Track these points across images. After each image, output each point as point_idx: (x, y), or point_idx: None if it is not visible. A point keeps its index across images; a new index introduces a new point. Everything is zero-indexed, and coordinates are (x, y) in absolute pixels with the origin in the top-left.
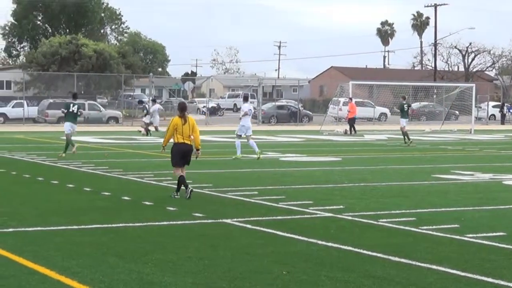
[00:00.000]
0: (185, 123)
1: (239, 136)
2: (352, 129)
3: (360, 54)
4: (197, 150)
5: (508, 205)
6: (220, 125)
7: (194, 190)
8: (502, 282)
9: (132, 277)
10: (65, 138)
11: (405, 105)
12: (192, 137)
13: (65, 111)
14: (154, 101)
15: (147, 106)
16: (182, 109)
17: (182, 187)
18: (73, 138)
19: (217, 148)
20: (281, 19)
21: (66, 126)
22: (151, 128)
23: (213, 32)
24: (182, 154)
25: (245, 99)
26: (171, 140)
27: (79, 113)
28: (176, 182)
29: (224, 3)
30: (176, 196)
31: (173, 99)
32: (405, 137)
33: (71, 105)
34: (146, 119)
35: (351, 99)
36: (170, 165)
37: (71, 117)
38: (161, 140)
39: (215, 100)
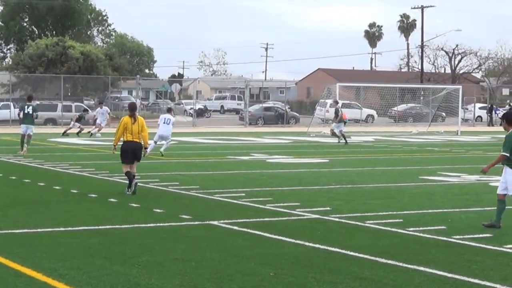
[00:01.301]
0: (134, 122)
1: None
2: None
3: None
4: (145, 148)
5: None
6: (207, 127)
7: (183, 192)
8: (489, 283)
9: (119, 279)
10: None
11: (339, 110)
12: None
13: (21, 113)
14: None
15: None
16: (132, 109)
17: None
18: (59, 139)
19: (204, 150)
20: (268, 21)
21: (22, 128)
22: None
23: (201, 34)
24: (130, 152)
25: None
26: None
27: (34, 115)
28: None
29: (211, 5)
30: (128, 192)
31: (160, 101)
32: (342, 137)
33: (26, 106)
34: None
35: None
36: (157, 167)
37: (26, 118)
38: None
39: (202, 102)
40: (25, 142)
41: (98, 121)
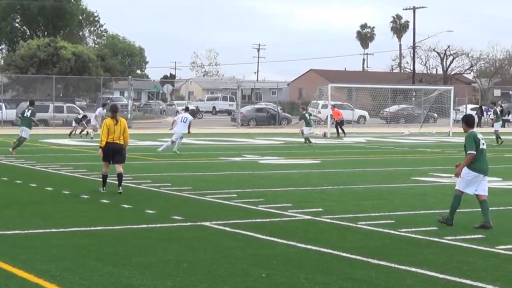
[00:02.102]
0: (116, 123)
1: None
2: (342, 131)
3: (339, 57)
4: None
5: None
6: (199, 128)
7: (175, 193)
8: (480, 284)
9: (111, 280)
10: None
11: (306, 114)
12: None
13: (21, 116)
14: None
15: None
16: (114, 111)
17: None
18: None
19: (196, 151)
20: (260, 21)
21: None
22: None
23: (193, 35)
24: (112, 152)
25: None
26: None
27: (33, 119)
28: (117, 179)
29: (203, 6)
30: (102, 190)
31: (152, 102)
32: (306, 140)
33: (26, 110)
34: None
35: (334, 106)
36: (149, 168)
37: (24, 121)
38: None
39: (194, 103)
40: (16, 140)
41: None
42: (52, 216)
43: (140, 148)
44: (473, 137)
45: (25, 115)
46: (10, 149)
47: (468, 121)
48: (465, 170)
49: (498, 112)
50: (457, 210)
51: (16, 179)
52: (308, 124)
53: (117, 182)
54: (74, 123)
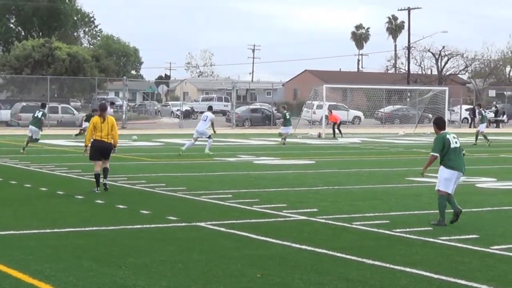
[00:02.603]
0: (103, 121)
1: None
2: (339, 131)
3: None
4: (114, 147)
5: (480, 207)
6: (194, 128)
7: (170, 193)
8: (475, 285)
9: (106, 280)
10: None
11: (286, 114)
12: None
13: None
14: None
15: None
16: (102, 109)
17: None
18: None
19: (190, 152)
20: (255, 22)
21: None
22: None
23: (188, 35)
24: (99, 150)
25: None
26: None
27: (43, 119)
28: (101, 176)
29: (198, 7)
30: (97, 191)
31: (147, 102)
32: (283, 139)
33: (37, 111)
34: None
35: (331, 111)
36: (144, 168)
37: (33, 121)
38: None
39: (189, 104)
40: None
41: None
42: (46, 217)
43: (135, 148)
44: (442, 139)
45: (35, 115)
46: (21, 150)
47: (438, 124)
48: (441, 169)
49: (483, 113)
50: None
51: (11, 180)
52: (286, 123)
53: (109, 182)
54: (84, 124)
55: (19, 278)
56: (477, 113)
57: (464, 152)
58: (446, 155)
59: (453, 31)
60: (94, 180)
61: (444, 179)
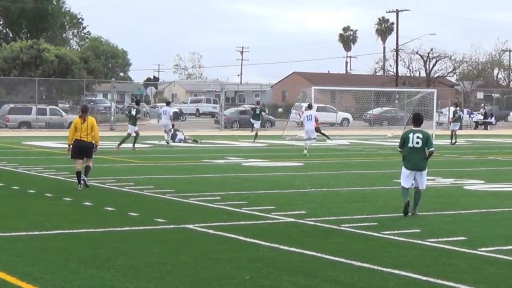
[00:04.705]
0: (84, 122)
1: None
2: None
3: (322, 60)
4: (95, 146)
5: (469, 210)
6: (183, 130)
7: (158, 195)
8: (463, 286)
9: (94, 283)
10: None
11: (257, 109)
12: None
13: (128, 115)
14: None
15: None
16: (83, 111)
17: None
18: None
19: (179, 153)
20: (244, 24)
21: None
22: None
23: (176, 37)
24: (79, 149)
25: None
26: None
27: (138, 116)
28: (84, 170)
29: (187, 8)
30: (79, 188)
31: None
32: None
33: (132, 109)
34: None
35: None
36: (133, 170)
37: (130, 119)
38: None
39: (178, 105)
40: (132, 141)
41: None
42: (34, 219)
43: (123, 150)
44: (402, 136)
45: (131, 113)
46: (116, 148)
47: (412, 120)
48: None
49: (458, 113)
50: (441, 213)
51: None
52: (256, 118)
53: (101, 185)
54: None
55: (7, 280)
56: (452, 113)
57: (454, 140)
58: (404, 153)
59: (441, 34)
60: (76, 178)
61: (402, 176)
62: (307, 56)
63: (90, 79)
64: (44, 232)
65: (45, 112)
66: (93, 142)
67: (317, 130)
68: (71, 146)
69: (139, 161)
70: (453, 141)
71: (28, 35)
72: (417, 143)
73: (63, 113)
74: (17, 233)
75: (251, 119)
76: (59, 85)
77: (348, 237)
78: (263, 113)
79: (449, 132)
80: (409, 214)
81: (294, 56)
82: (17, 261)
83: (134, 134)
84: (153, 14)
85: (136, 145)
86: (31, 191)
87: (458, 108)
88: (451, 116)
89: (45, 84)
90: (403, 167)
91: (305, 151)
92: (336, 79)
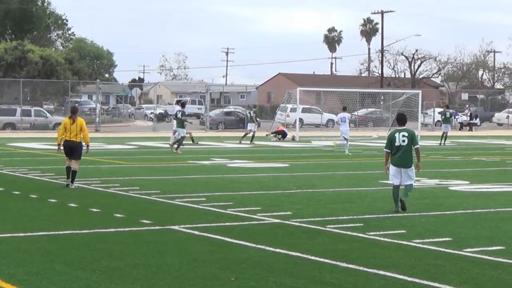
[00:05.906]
0: (73, 123)
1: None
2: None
3: (307, 61)
4: (87, 146)
5: (454, 210)
6: (168, 132)
7: (144, 196)
8: (448, 287)
9: (79, 284)
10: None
11: (251, 112)
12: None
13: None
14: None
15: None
16: (73, 112)
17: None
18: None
19: (164, 155)
20: (229, 25)
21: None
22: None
23: (161, 38)
24: (68, 149)
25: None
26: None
27: (183, 119)
28: (71, 174)
29: (172, 9)
30: (66, 182)
31: (120, 106)
32: (243, 137)
33: (177, 112)
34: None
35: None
36: (118, 171)
37: (177, 122)
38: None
39: (163, 107)
40: (174, 142)
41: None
42: (19, 220)
43: (109, 151)
44: (389, 137)
45: (178, 116)
46: (174, 150)
47: (396, 120)
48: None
49: (446, 115)
50: (426, 213)
51: None
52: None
53: (86, 186)
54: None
55: None
56: (442, 114)
57: (443, 142)
58: (392, 152)
59: (426, 35)
60: (66, 174)
61: (390, 174)
62: (292, 57)
63: (75, 80)
64: (29, 234)
65: (30, 114)
66: (82, 142)
67: (276, 134)
68: (60, 146)
69: (124, 162)
70: (442, 142)
71: (13, 36)
72: (403, 141)
73: (48, 115)
74: (1, 235)
75: (248, 123)
76: (43, 86)
77: (334, 238)
78: (253, 115)
79: (434, 133)
80: (399, 203)
81: (279, 57)
82: (2, 262)
83: (183, 135)
84: (138, 15)
85: (120, 146)
86: (16, 192)
87: (450, 111)
88: (439, 117)
89: (30, 85)
90: (390, 165)
91: (346, 151)
92: (322, 80)
